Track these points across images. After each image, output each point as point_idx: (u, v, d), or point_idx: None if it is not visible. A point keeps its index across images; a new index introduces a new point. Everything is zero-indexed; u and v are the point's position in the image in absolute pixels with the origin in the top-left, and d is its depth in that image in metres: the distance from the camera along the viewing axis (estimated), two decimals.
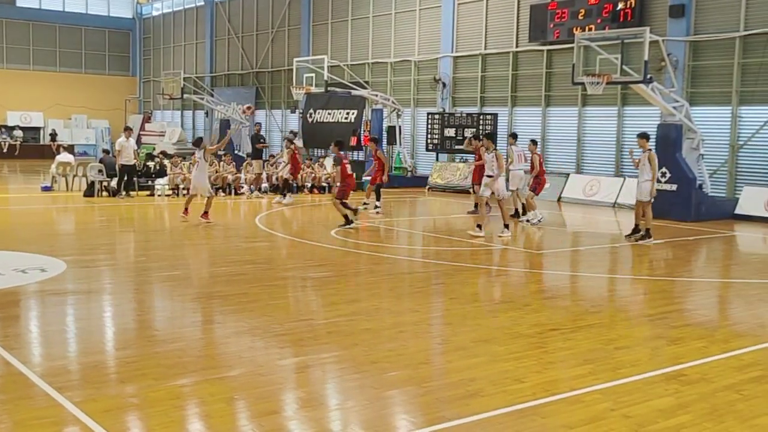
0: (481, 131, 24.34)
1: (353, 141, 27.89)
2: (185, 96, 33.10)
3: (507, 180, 19.60)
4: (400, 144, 27.63)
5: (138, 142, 32.71)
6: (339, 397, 5.75)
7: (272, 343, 7.03)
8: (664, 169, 17.89)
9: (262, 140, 23.06)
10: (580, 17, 22.43)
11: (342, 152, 16.35)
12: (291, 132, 31.67)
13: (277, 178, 22.01)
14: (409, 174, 27.32)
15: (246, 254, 12.59)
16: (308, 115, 30.68)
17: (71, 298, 8.94)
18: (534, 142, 17.59)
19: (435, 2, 27.57)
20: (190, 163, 22.06)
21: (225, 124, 33.84)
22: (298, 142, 31.49)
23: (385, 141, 26.95)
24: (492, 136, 15.62)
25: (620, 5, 21.38)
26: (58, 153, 24.97)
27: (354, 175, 16.21)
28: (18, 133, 42.40)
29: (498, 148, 15.40)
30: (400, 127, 27.63)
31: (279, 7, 35.96)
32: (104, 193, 20.77)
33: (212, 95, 35.89)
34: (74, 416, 5.10)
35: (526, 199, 16.74)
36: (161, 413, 5.19)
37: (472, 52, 26.46)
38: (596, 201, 21.47)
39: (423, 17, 28.31)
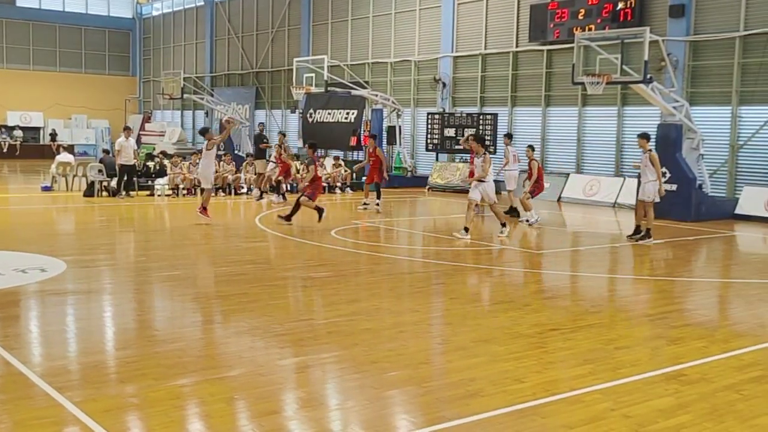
0: (481, 131, 24.40)
1: (353, 141, 27.92)
2: (185, 96, 33.11)
3: (499, 182, 19.63)
4: (400, 144, 27.63)
5: (138, 142, 32.69)
6: (339, 397, 5.75)
7: (272, 343, 7.03)
8: (664, 169, 17.87)
9: (265, 140, 23.08)
10: (580, 17, 22.43)
11: (316, 154, 16.25)
12: (259, 126, 31.48)
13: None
14: (409, 174, 27.32)
15: (246, 254, 12.59)
16: (308, 115, 30.69)
17: (71, 298, 8.94)
18: (531, 147, 17.37)
19: (435, 2, 27.57)
20: (191, 163, 22.13)
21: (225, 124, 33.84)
22: (299, 143, 31.58)
23: (385, 141, 26.95)
24: (482, 139, 15.03)
25: (620, 5, 21.38)
26: (58, 153, 24.98)
27: (322, 178, 16.32)
28: (18, 133, 42.41)
29: (492, 148, 15.34)
30: (400, 127, 27.63)
31: (279, 7, 35.97)
32: (104, 193, 20.76)
33: (212, 95, 35.90)
34: (74, 416, 5.10)
35: (521, 199, 16.71)
36: (161, 413, 5.19)
37: (472, 52, 26.46)
38: (596, 201, 21.47)
39: (423, 17, 28.31)
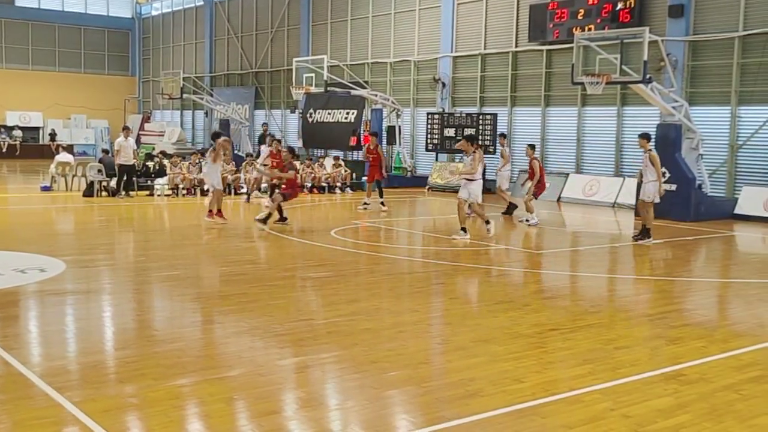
0: (480, 131, 24.42)
1: (353, 141, 27.93)
2: (185, 96, 33.14)
3: (491, 181, 19.68)
4: (400, 144, 27.63)
5: (137, 141, 32.71)
6: (339, 397, 5.75)
7: (272, 343, 7.03)
8: (663, 169, 17.87)
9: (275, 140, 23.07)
10: (579, 17, 22.43)
11: (296, 160, 16.14)
12: (263, 126, 31.61)
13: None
14: (409, 174, 27.32)
15: (246, 254, 12.60)
16: (308, 115, 30.70)
17: (70, 298, 8.94)
18: (532, 146, 17.37)
19: (434, 2, 27.57)
20: (190, 163, 22.12)
21: (225, 124, 33.84)
22: (299, 143, 31.58)
23: (384, 141, 26.95)
24: (472, 138, 14.75)
25: (619, 5, 21.39)
26: (58, 153, 24.97)
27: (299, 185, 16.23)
28: (17, 132, 42.39)
29: (492, 148, 15.26)
30: (399, 127, 27.63)
31: (278, 6, 35.95)
32: (103, 193, 20.75)
33: (212, 95, 35.91)
34: (74, 416, 5.10)
35: (525, 201, 16.70)
36: (161, 413, 5.19)
37: (471, 52, 26.45)
38: (596, 201, 21.47)
39: (422, 17, 28.31)
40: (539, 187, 16.83)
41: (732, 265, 13.26)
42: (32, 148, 41.87)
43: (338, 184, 24.30)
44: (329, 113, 29.65)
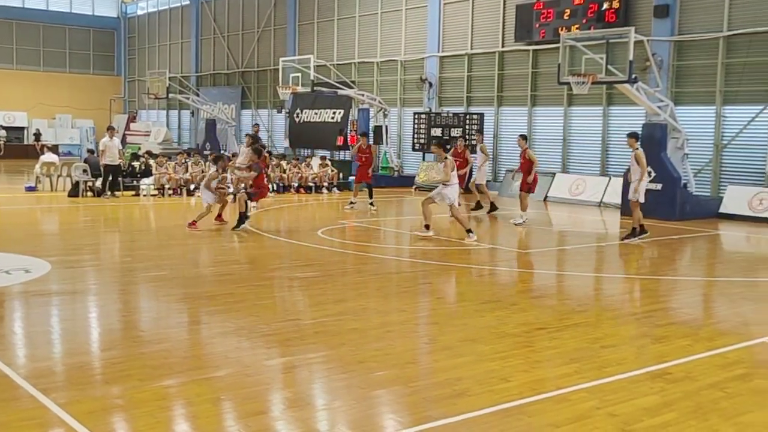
0: (467, 131, 24.47)
1: (340, 141, 27.91)
2: (171, 96, 32.99)
3: (469, 178, 19.76)
4: (387, 144, 27.63)
5: (123, 141, 32.57)
6: (326, 397, 5.74)
7: (259, 343, 7.01)
8: (649, 168, 17.97)
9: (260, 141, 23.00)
10: (565, 17, 22.51)
11: (262, 161, 16.00)
12: (254, 127, 31.41)
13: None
14: (396, 174, 27.34)
15: (232, 254, 12.56)
16: (295, 115, 30.66)
17: (56, 298, 8.89)
18: (524, 137, 17.31)
19: (421, 2, 27.58)
20: (176, 163, 22.01)
21: (211, 124, 33.75)
22: (285, 143, 31.52)
23: (371, 141, 26.92)
24: (443, 143, 14.73)
25: (605, 5, 21.48)
26: (43, 153, 24.79)
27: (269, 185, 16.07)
28: (2, 132, 42.04)
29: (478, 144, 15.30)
30: (386, 126, 27.63)
31: (265, 6, 35.87)
32: (89, 193, 20.63)
33: (198, 95, 35.79)
34: (59, 418, 5.06)
35: (520, 198, 16.68)
36: (147, 414, 5.17)
37: (458, 52, 26.49)
38: (582, 200, 21.56)
39: (409, 17, 28.32)
40: (535, 180, 16.78)
41: (717, 263, 13.35)
42: (17, 148, 41.55)
43: (325, 184, 24.26)
44: (316, 113, 29.62)
